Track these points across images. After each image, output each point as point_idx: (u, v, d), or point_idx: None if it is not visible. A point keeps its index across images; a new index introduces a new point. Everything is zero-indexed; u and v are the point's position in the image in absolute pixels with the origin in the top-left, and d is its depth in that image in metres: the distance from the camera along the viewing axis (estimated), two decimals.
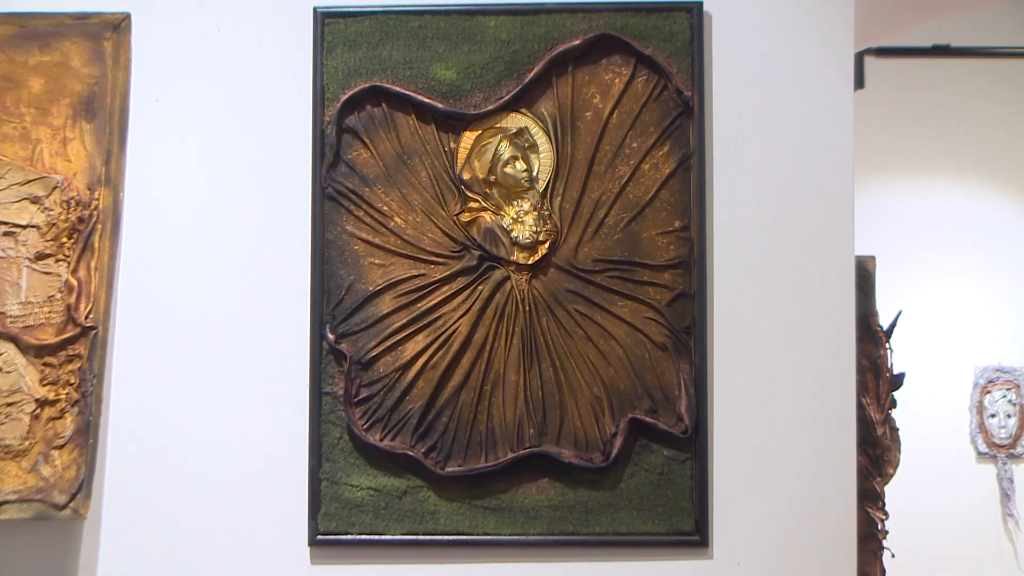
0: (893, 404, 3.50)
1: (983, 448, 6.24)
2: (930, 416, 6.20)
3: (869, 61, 4.49)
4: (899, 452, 3.50)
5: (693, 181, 3.07)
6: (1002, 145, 6.35)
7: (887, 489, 3.67)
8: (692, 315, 3.05)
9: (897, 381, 3.50)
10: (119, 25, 3.13)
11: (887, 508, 3.66)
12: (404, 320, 3.04)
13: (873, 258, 3.45)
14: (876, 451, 3.39)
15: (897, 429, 3.51)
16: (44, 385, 2.98)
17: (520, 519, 3.04)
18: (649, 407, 3.04)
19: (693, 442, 3.04)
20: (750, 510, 3.07)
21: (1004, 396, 6.25)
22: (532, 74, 3.06)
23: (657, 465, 3.05)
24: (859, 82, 4.45)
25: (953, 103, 6.43)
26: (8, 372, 2.97)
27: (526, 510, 3.04)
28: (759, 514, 3.07)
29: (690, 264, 3.06)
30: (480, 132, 3.06)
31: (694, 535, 3.04)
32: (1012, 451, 6.24)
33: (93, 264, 3.04)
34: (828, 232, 3.12)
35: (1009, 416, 6.24)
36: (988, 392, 6.25)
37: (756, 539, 3.07)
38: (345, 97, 3.05)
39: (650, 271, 3.06)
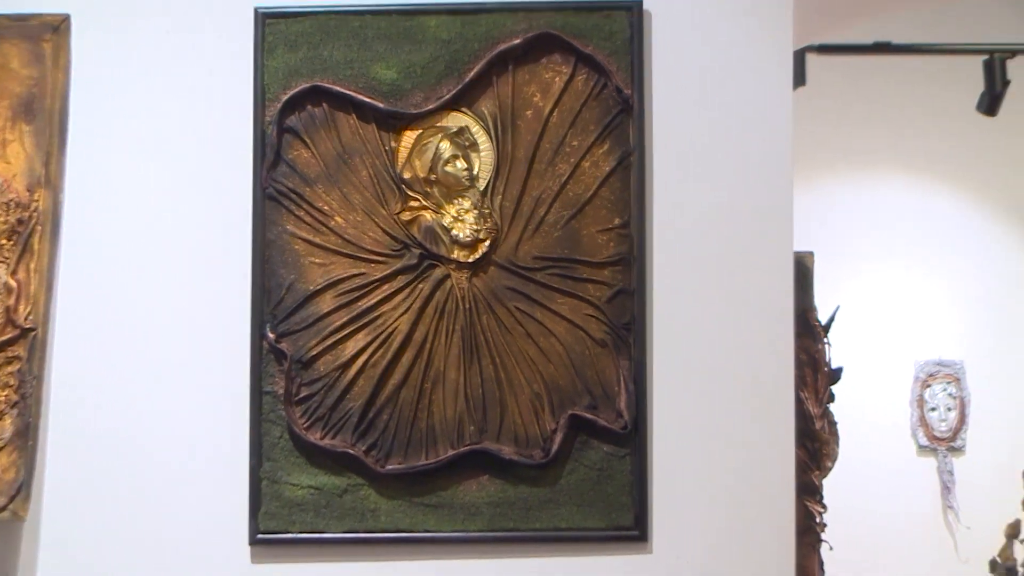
0: (831, 398, 3.61)
1: (924, 441, 6.40)
2: (871, 410, 6.34)
3: (811, 58, 4.60)
4: (837, 445, 3.61)
5: (633, 178, 3.15)
6: (941, 141, 6.50)
7: (826, 482, 3.79)
8: (632, 311, 3.13)
9: (835, 375, 3.61)
10: (58, 27, 3.18)
11: (826, 501, 3.78)
12: (344, 319, 3.10)
13: (812, 254, 3.56)
14: (814, 445, 3.50)
15: (835, 423, 3.62)
16: None
17: (460, 516, 3.11)
18: (589, 403, 3.12)
19: (633, 438, 3.12)
20: (689, 504, 3.14)
21: (944, 390, 6.41)
22: (472, 73, 3.13)
23: (597, 461, 3.12)
24: (800, 79, 4.57)
25: (893, 99, 6.57)
26: None
27: (466, 507, 3.11)
28: (698, 508, 3.14)
29: (630, 261, 3.14)
30: (421, 131, 3.13)
31: (634, 530, 3.12)
32: (952, 444, 6.40)
33: (32, 266, 3.09)
34: (767, 228, 3.20)
35: (949, 409, 6.39)
36: (928, 386, 6.41)
37: (695, 533, 3.14)
38: (286, 97, 3.11)
39: (590, 268, 3.14)
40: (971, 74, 5.19)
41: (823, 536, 3.57)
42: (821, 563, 3.58)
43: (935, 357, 6.43)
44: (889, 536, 6.28)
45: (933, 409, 6.40)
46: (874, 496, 6.30)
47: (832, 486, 4.07)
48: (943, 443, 6.40)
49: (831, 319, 3.65)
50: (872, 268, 6.45)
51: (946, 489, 6.39)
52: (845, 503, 5.85)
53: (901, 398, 6.44)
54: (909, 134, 6.52)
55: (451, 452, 3.11)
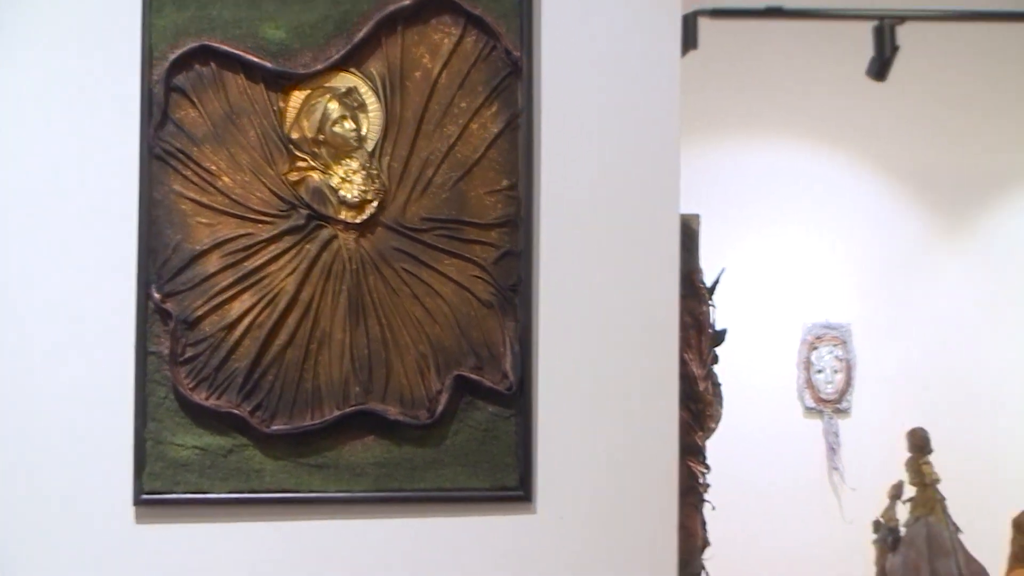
0: (715, 360, 3.72)
1: (810, 403, 6.55)
2: (758, 372, 6.47)
3: (703, 22, 4.68)
4: (721, 407, 3.73)
5: (521, 141, 3.22)
6: (831, 105, 6.63)
7: (712, 443, 3.91)
8: (518, 273, 3.20)
9: (719, 337, 3.72)
10: None
11: (710, 462, 3.90)
12: (230, 279, 3.12)
13: (697, 216, 3.65)
14: (698, 406, 3.60)
15: (719, 384, 3.73)
16: None
17: (346, 476, 3.16)
18: (474, 364, 3.19)
19: (517, 399, 3.19)
20: (573, 465, 3.23)
21: (831, 352, 6.56)
22: (362, 34, 3.17)
23: (482, 421, 3.20)
24: (692, 42, 4.66)
25: (784, 64, 6.69)
26: None
27: (352, 467, 3.16)
28: (582, 469, 3.23)
29: (517, 223, 3.21)
30: (309, 92, 3.16)
31: (518, 490, 3.20)
32: (838, 406, 6.56)
33: None
34: (653, 191, 3.28)
35: (836, 372, 6.55)
36: (815, 348, 6.55)
37: (579, 493, 3.23)
38: (173, 56, 3.11)
39: (477, 229, 3.21)
40: (861, 39, 5.31)
41: (706, 496, 3.68)
42: (704, 522, 3.69)
43: (822, 320, 6.57)
44: (775, 497, 6.43)
45: (820, 371, 6.56)
46: (760, 457, 6.45)
47: (718, 447, 4.20)
48: (829, 405, 6.56)
49: (716, 281, 3.74)
50: (761, 231, 6.58)
51: (831, 451, 6.55)
52: (731, 464, 6.01)
53: (788, 360, 6.58)
54: (799, 98, 6.65)
55: (336, 412, 3.15)
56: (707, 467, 3.65)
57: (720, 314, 4.14)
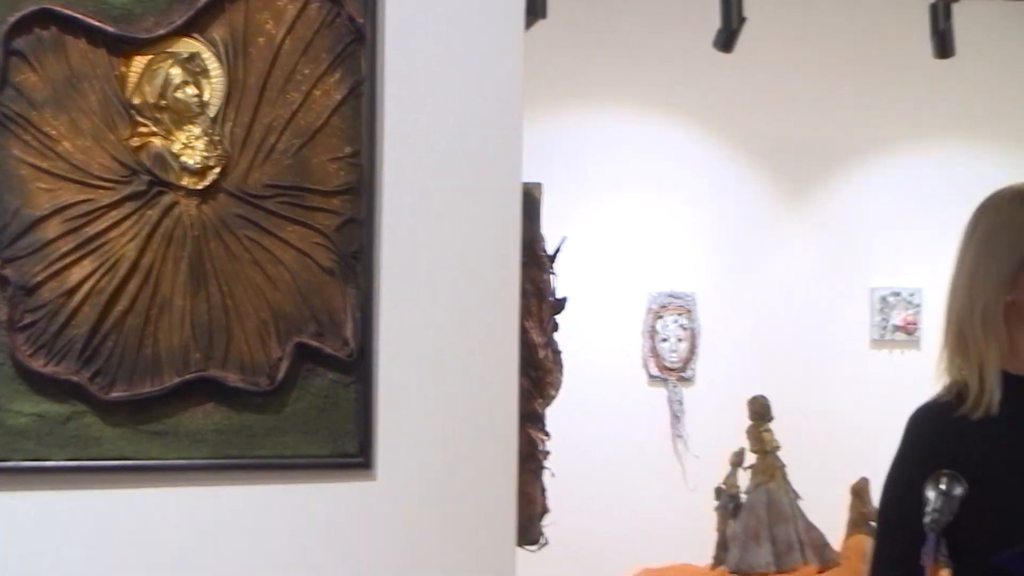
0: (555, 328, 3.84)
1: (654, 372, 6.73)
2: (604, 340, 6.64)
3: None
4: (561, 374, 3.84)
5: (364, 108, 3.27)
6: (678, 75, 6.80)
7: (557, 411, 4.03)
8: (360, 240, 3.27)
9: (560, 305, 3.84)
10: None
11: (557, 430, 4.02)
12: (71, 245, 3.11)
13: (540, 185, 3.76)
14: (538, 373, 3.71)
15: (559, 352, 3.85)
16: None
17: (185, 443, 3.19)
18: (315, 331, 3.24)
19: (358, 366, 3.26)
20: (414, 432, 3.29)
21: (676, 321, 6.74)
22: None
23: (323, 388, 3.26)
24: (541, 11, 4.78)
25: (632, 34, 6.83)
26: None
27: (191, 434, 3.19)
28: (423, 436, 3.30)
29: (359, 190, 3.27)
30: (151, 57, 3.17)
31: (358, 457, 3.26)
32: (682, 374, 6.76)
33: None
34: (496, 159, 3.36)
35: (680, 340, 6.74)
36: (660, 317, 6.73)
37: (420, 460, 3.30)
38: (13, 19, 3.07)
39: (320, 196, 3.26)
40: (709, 11, 5.47)
41: (546, 463, 3.80)
42: (543, 489, 3.81)
43: (667, 289, 6.75)
44: (620, 464, 6.60)
45: (664, 340, 6.73)
46: (606, 425, 6.61)
47: (562, 415, 4.32)
48: (673, 373, 6.75)
49: (557, 250, 3.85)
50: (607, 201, 6.72)
51: (675, 418, 6.74)
52: (576, 431, 6.18)
53: (633, 329, 6.75)
54: (647, 68, 6.79)
55: (176, 379, 3.17)
56: (547, 434, 3.76)
57: (565, 283, 4.25)
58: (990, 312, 2.69)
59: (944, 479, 2.56)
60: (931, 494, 2.55)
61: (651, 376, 6.73)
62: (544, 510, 3.82)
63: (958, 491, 2.55)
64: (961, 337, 2.73)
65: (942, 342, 2.81)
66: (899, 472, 2.79)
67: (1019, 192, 2.76)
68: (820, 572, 5.32)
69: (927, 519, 2.51)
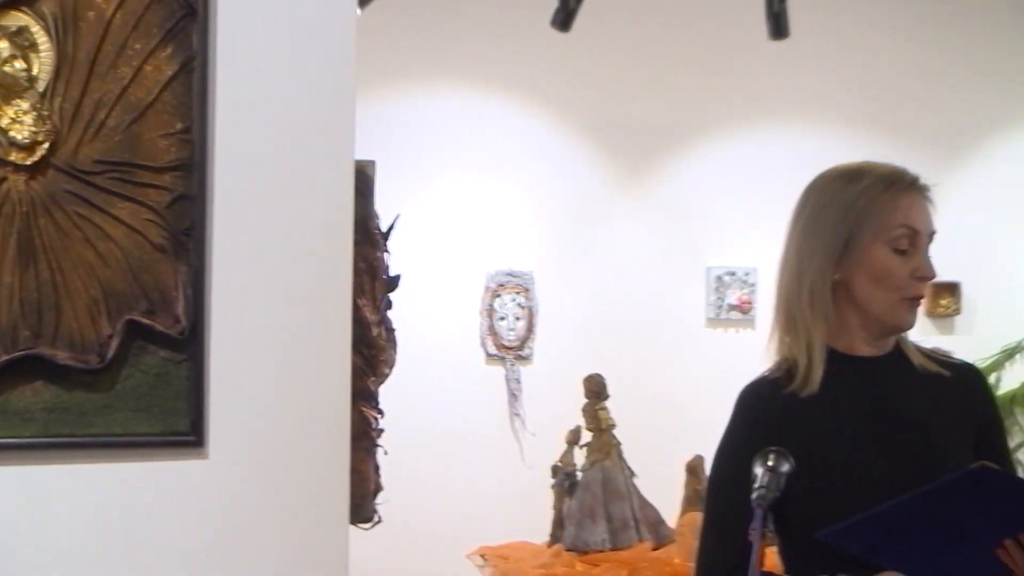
0: (389, 305, 3.89)
1: (492, 350, 6.80)
2: (442, 319, 6.70)
3: None
4: (394, 352, 3.90)
5: (195, 83, 3.28)
6: (515, 54, 6.86)
7: (393, 389, 4.09)
8: (192, 217, 3.27)
9: (393, 283, 3.88)
10: None
11: (394, 408, 4.08)
12: None
13: (373, 162, 3.80)
14: (371, 351, 3.76)
15: (393, 330, 3.90)
16: None
17: (14, 422, 3.16)
18: (146, 308, 3.23)
19: (190, 343, 3.26)
20: (246, 410, 3.31)
21: (513, 300, 6.81)
22: None
23: (154, 366, 3.25)
24: None
25: (468, 11, 6.88)
26: None
27: (20, 412, 3.16)
28: (255, 414, 3.32)
29: (191, 166, 3.27)
30: None
31: (190, 435, 3.26)
32: (520, 353, 6.83)
33: None
34: (329, 136, 3.39)
35: (518, 319, 6.81)
36: (498, 296, 6.80)
37: (252, 439, 3.32)
38: None
39: (151, 173, 3.25)
40: None
41: (379, 441, 3.86)
42: (377, 467, 3.86)
43: (505, 268, 6.81)
44: (458, 442, 6.65)
45: (502, 319, 6.80)
46: (443, 403, 6.67)
47: (399, 393, 4.38)
48: (511, 352, 6.82)
49: (391, 227, 3.91)
50: (444, 179, 6.77)
51: (513, 397, 6.82)
52: (414, 410, 6.24)
53: (471, 308, 6.81)
54: (484, 47, 6.84)
55: (5, 357, 3.14)
56: (380, 412, 3.81)
57: (402, 261, 4.32)
58: (817, 290, 2.77)
59: (771, 455, 2.62)
60: (758, 470, 2.61)
61: (489, 355, 6.81)
62: (377, 488, 3.87)
63: (785, 467, 2.61)
64: (790, 315, 2.81)
65: (772, 320, 2.90)
66: (728, 448, 2.87)
67: (843, 172, 2.85)
68: (655, 549, 5.41)
69: (754, 495, 2.56)
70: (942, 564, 2.55)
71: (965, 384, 2.91)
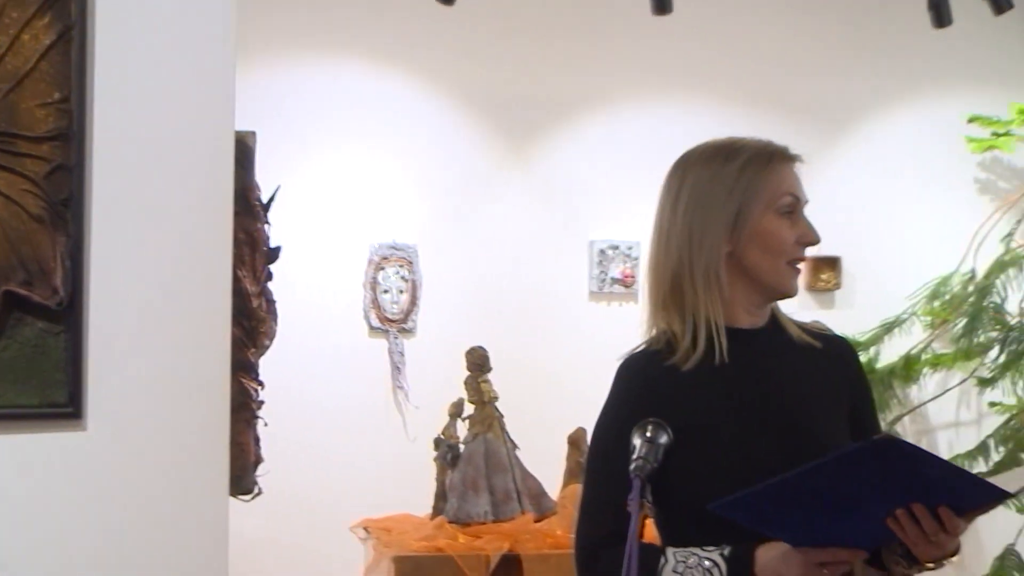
0: (269, 277, 3.90)
1: (375, 323, 6.81)
2: (326, 291, 6.68)
3: None
4: (275, 324, 3.91)
5: (74, 53, 3.27)
6: (398, 26, 6.83)
7: (275, 361, 4.11)
8: (70, 188, 3.27)
9: (273, 254, 3.89)
10: None
11: (275, 379, 4.09)
12: None
13: (253, 133, 3.80)
14: (251, 323, 3.77)
15: (273, 302, 3.90)
16: None
17: None
18: (24, 279, 3.22)
19: (68, 314, 3.25)
20: (125, 382, 3.31)
21: (397, 272, 6.81)
22: None
23: (32, 337, 3.24)
24: None
25: None
26: None
27: None
28: (134, 385, 3.32)
29: (69, 136, 3.27)
30: None
31: (68, 407, 3.27)
32: (403, 326, 6.83)
33: None
34: (208, 107, 3.41)
35: (401, 292, 6.80)
36: (382, 268, 6.80)
37: (131, 410, 3.32)
38: None
39: (28, 143, 3.25)
40: None
41: (259, 413, 3.87)
42: (257, 439, 3.88)
43: (389, 240, 6.82)
44: (340, 414, 6.64)
45: (386, 291, 6.79)
46: (326, 376, 6.65)
47: (281, 365, 4.40)
48: (394, 325, 6.82)
49: (271, 199, 3.92)
50: (327, 151, 6.73)
51: (396, 369, 6.81)
52: (296, 382, 6.24)
53: (355, 280, 6.80)
54: (369, 18, 6.81)
55: None
56: (261, 384, 3.82)
57: (286, 233, 4.33)
58: (713, 266, 2.79)
59: (650, 426, 2.64)
60: (637, 441, 2.63)
61: (372, 327, 6.81)
62: (258, 460, 3.88)
63: (663, 439, 2.63)
64: (676, 290, 2.82)
65: (649, 293, 2.93)
66: (607, 420, 2.88)
67: (719, 149, 2.89)
68: (537, 521, 5.45)
69: (632, 465, 2.57)
70: (830, 533, 2.59)
71: (839, 356, 2.98)
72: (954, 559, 2.65)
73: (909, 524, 2.54)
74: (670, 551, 2.74)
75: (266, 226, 3.85)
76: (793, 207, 2.85)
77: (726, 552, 2.68)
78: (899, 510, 2.54)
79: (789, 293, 2.89)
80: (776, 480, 2.50)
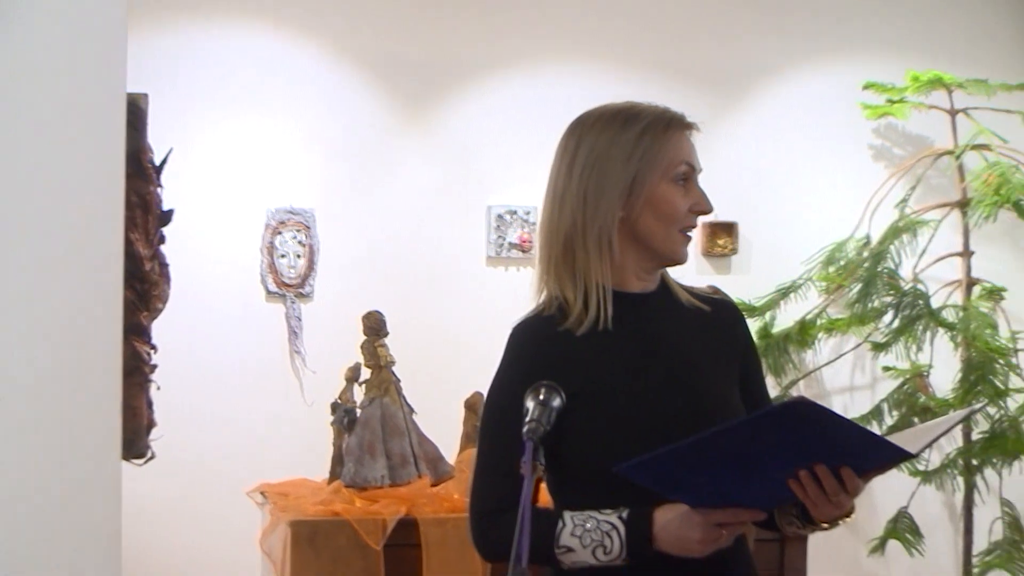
0: (162, 240, 3.88)
1: (272, 287, 6.78)
2: (221, 255, 6.65)
3: None
4: (168, 287, 3.89)
5: None
6: None
7: (170, 325, 4.09)
8: None
9: (166, 217, 3.88)
10: None
11: (168, 343, 4.08)
12: None
13: (146, 95, 3.78)
14: (144, 286, 3.75)
15: (167, 265, 3.89)
16: None
17: None
18: None
19: None
20: (16, 344, 3.25)
21: (294, 237, 6.80)
22: None
23: None
24: None
25: None
26: None
27: None
28: (22, 349, 3.26)
29: None
30: None
31: None
32: (300, 290, 6.82)
33: None
34: (99, 67, 3.36)
35: (299, 256, 6.79)
36: (279, 233, 6.79)
37: (20, 374, 3.26)
38: None
39: None
40: None
41: (152, 376, 3.86)
42: (150, 402, 3.87)
43: (286, 205, 6.80)
44: (237, 379, 6.63)
45: (283, 256, 6.78)
46: (222, 340, 6.64)
47: (176, 329, 4.39)
48: (292, 289, 6.80)
49: (164, 161, 3.89)
50: (223, 113, 6.70)
51: (293, 334, 6.80)
52: (191, 346, 6.23)
53: (252, 245, 6.78)
54: None
55: None
56: (153, 347, 3.81)
57: (181, 197, 4.31)
58: (606, 232, 2.83)
59: (543, 389, 2.68)
60: (530, 404, 2.66)
61: (269, 292, 6.78)
62: (151, 423, 3.87)
63: (556, 402, 2.67)
64: (568, 252, 2.87)
65: (540, 253, 2.95)
66: (501, 383, 2.92)
67: (615, 114, 2.91)
68: (434, 485, 5.47)
69: (525, 428, 2.60)
70: (730, 494, 2.63)
71: (727, 319, 3.03)
72: (848, 519, 2.70)
73: (811, 485, 2.59)
74: (567, 514, 2.77)
75: (159, 189, 3.83)
76: (688, 175, 2.89)
77: (624, 515, 2.72)
78: (802, 471, 2.58)
79: (679, 260, 2.92)
80: (687, 442, 2.54)
